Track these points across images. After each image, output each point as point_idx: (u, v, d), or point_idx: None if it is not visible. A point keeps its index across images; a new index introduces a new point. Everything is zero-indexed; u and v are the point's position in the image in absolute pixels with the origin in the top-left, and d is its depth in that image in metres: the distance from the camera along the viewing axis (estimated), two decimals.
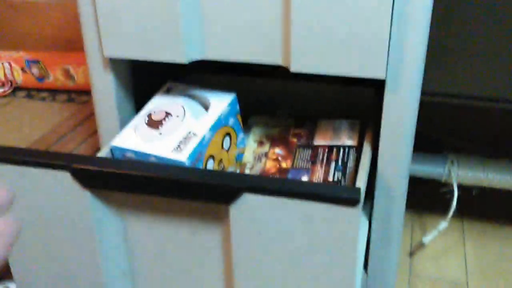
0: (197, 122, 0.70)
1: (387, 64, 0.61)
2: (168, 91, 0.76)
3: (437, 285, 1.00)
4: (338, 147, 0.75)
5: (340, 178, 0.70)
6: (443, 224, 0.96)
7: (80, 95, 1.14)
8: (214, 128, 0.70)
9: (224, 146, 0.73)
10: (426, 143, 0.85)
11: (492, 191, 0.94)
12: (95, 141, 0.94)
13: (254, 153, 0.78)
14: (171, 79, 0.79)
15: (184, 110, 0.72)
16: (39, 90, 1.17)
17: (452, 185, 0.92)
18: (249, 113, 0.85)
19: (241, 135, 0.77)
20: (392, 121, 0.66)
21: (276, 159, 0.75)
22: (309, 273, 0.56)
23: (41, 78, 1.16)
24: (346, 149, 0.74)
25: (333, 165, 0.73)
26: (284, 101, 0.90)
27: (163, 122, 0.70)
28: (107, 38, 0.71)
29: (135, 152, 0.67)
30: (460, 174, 0.91)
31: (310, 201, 0.51)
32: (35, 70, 1.15)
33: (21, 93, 1.17)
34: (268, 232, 0.55)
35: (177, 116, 0.71)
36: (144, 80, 0.85)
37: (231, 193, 0.54)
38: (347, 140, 0.75)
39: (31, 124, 1.02)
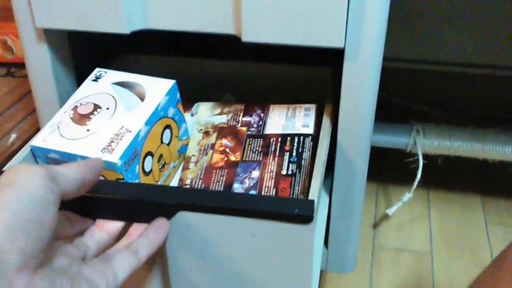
0: (130, 115, 0.61)
1: (346, 32, 0.57)
2: (96, 79, 0.66)
3: (401, 256, 1.00)
4: (293, 136, 0.68)
5: (294, 171, 0.64)
6: (408, 195, 0.95)
7: (21, 69, 1.07)
8: (151, 121, 0.61)
9: (164, 139, 0.65)
10: (390, 112, 0.82)
11: (457, 160, 0.93)
12: (35, 119, 0.88)
13: (199, 145, 0.70)
14: (100, 65, 0.70)
15: (116, 101, 0.63)
16: None
17: (417, 155, 0.90)
18: (192, 99, 0.77)
19: (183, 125, 0.69)
20: (351, 91, 0.63)
21: (224, 151, 0.69)
22: None
23: None
24: (301, 138, 0.67)
25: (287, 156, 0.66)
26: (232, 85, 0.83)
27: (91, 116, 0.61)
28: (39, 7, 0.64)
29: (60, 153, 0.58)
30: (425, 143, 0.88)
31: (256, 219, 0.45)
32: None
33: None
34: (211, 251, 0.49)
35: (107, 109, 0.62)
36: (85, 52, 0.80)
37: (164, 212, 0.47)
38: (302, 128, 0.68)
39: None
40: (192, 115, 0.76)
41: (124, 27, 0.62)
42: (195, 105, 0.77)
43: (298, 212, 0.44)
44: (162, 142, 0.64)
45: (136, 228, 0.48)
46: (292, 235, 0.45)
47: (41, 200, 0.35)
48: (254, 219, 0.45)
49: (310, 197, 0.51)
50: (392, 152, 0.94)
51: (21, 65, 1.08)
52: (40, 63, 0.71)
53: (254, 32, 0.59)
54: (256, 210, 0.45)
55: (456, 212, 1.09)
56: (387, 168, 1.15)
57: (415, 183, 0.92)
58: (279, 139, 0.68)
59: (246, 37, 0.59)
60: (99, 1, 0.61)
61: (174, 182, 0.69)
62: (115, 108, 0.62)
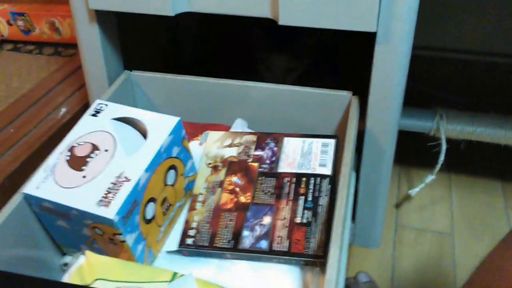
0: (131, 159, 0.55)
1: (378, 16, 0.60)
2: (96, 113, 0.61)
3: (422, 235, 1.02)
4: (308, 177, 0.62)
5: (310, 219, 0.58)
6: (430, 177, 0.97)
7: (67, 48, 1.12)
8: (153, 166, 0.55)
9: (168, 181, 0.59)
10: (415, 97, 0.85)
11: (479, 145, 0.95)
12: (83, 94, 0.93)
13: (207, 182, 0.65)
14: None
15: (115, 142, 0.57)
16: (25, 43, 1.15)
17: (440, 139, 0.92)
18: (203, 123, 0.74)
19: (189, 162, 0.63)
20: (382, 74, 0.66)
21: (233, 191, 0.63)
22: None
23: (27, 31, 1.14)
24: (318, 180, 0.61)
25: (301, 201, 0.60)
26: (246, 106, 0.77)
27: (88, 159, 0.56)
28: None
29: (53, 203, 0.53)
30: (448, 128, 0.91)
31: None
32: (20, 23, 1.12)
33: (8, 46, 1.15)
34: None
35: (106, 151, 0.56)
36: (131, 35, 0.84)
37: None
38: (319, 167, 0.62)
39: (19, 77, 1.01)
40: (200, 143, 0.72)
41: (169, 9, 0.66)
42: (204, 133, 0.72)
43: None
44: (166, 185, 0.59)
45: None
46: None
47: None
48: None
49: (329, 263, 0.47)
50: (414, 136, 0.96)
51: (67, 45, 1.13)
52: (91, 42, 0.75)
53: (290, 15, 0.62)
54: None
55: (477, 196, 1.11)
56: (409, 152, 1.16)
57: (438, 166, 0.94)
58: (293, 180, 0.62)
59: (283, 21, 0.63)
60: None
61: (179, 224, 0.64)
62: (115, 150, 0.56)
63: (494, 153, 1.13)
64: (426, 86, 1.08)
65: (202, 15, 0.68)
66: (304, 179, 0.62)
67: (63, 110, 0.90)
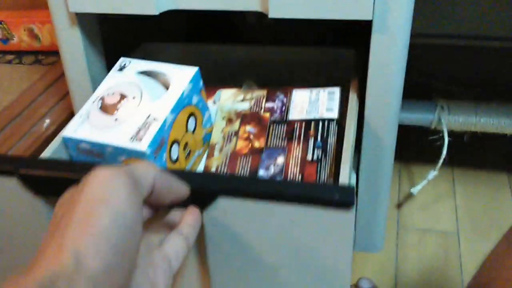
0: (156, 103, 0.62)
1: (374, 3, 0.57)
2: (121, 69, 0.67)
3: (426, 236, 1.00)
4: (317, 121, 0.67)
5: (320, 157, 0.63)
6: (433, 173, 0.94)
7: (48, 56, 1.09)
8: (176, 109, 0.62)
9: (189, 128, 0.66)
10: (414, 89, 0.82)
11: (483, 136, 0.92)
12: (67, 104, 0.90)
13: (222, 133, 0.70)
14: (125, 53, 0.71)
15: (141, 91, 0.64)
16: (4, 52, 1.12)
17: (442, 132, 0.89)
18: (214, 86, 0.77)
19: (207, 113, 0.70)
20: (379, 66, 0.63)
21: (248, 138, 0.68)
22: (296, 282, 0.50)
23: (5, 40, 1.11)
24: (326, 123, 0.66)
25: (311, 142, 0.65)
26: (253, 70, 0.81)
27: (118, 106, 0.62)
28: None
29: (90, 143, 0.60)
30: (450, 119, 0.88)
31: (295, 204, 0.45)
32: None
33: None
34: (249, 238, 0.49)
35: (134, 98, 0.63)
36: (114, 38, 0.81)
37: (203, 198, 0.46)
38: (326, 112, 0.67)
39: (0, 89, 0.97)
40: (214, 102, 0.76)
41: (153, 8, 0.64)
42: (217, 92, 0.77)
43: (339, 198, 0.43)
44: (187, 131, 0.65)
45: (175, 215, 0.46)
46: (332, 221, 0.45)
47: (134, 221, 0.34)
48: (294, 205, 0.44)
49: (340, 182, 0.53)
50: (413, 130, 0.94)
51: (48, 53, 1.10)
52: (73, 47, 0.72)
53: (281, 7, 0.60)
54: (296, 195, 0.44)
55: (482, 191, 1.08)
56: (409, 147, 1.14)
57: (440, 161, 0.92)
58: (303, 125, 0.67)
59: (273, 13, 0.60)
60: None
61: (199, 170, 0.69)
62: (141, 97, 0.63)
63: (499, 144, 1.11)
64: (424, 77, 1.05)
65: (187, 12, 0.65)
66: (313, 123, 0.67)
67: (47, 121, 0.87)
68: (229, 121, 0.71)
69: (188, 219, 0.45)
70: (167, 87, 0.64)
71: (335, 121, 0.66)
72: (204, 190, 0.46)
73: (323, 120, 0.66)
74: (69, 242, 0.31)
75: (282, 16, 0.60)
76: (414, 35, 0.65)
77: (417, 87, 0.91)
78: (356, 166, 0.76)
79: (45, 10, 0.71)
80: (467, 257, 0.95)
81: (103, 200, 0.32)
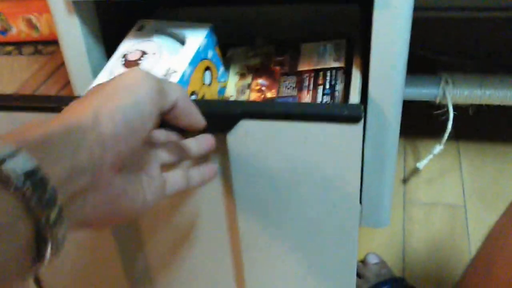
0: (175, 58, 0.65)
1: None
2: (140, 29, 0.72)
3: (433, 210, 1.00)
4: (325, 71, 0.70)
5: (329, 102, 0.67)
6: (438, 148, 0.94)
7: (47, 46, 1.08)
8: (193, 62, 0.66)
9: (205, 81, 0.70)
10: (417, 62, 0.81)
11: (489, 109, 0.91)
12: (69, 92, 0.89)
13: (236, 86, 0.74)
14: (142, 17, 0.74)
15: (160, 47, 0.68)
16: (3, 44, 1.11)
17: (447, 106, 0.88)
18: (227, 45, 0.81)
19: (221, 68, 0.73)
20: (383, 40, 0.62)
21: (260, 90, 0.72)
22: (311, 195, 0.56)
23: (3, 32, 1.10)
24: (333, 72, 0.70)
25: (320, 89, 0.69)
26: (262, 28, 0.85)
27: (140, 61, 0.66)
28: None
29: None
30: (455, 93, 0.87)
31: (310, 122, 0.50)
32: None
33: None
34: (268, 157, 0.54)
35: (154, 54, 0.67)
36: (112, 24, 0.81)
37: (227, 121, 0.52)
38: (333, 62, 0.71)
39: (1, 81, 0.97)
40: (228, 59, 0.80)
41: None
42: (230, 49, 0.81)
43: (348, 113, 0.49)
44: (203, 83, 0.69)
45: (189, 143, 0.50)
46: (342, 135, 0.50)
47: (148, 115, 0.39)
48: (309, 122, 0.50)
49: (351, 101, 0.58)
50: (417, 104, 0.93)
51: (47, 43, 1.08)
52: (72, 35, 0.71)
53: None
54: (310, 113, 0.50)
55: (489, 163, 1.07)
56: (414, 122, 1.13)
57: (446, 135, 0.91)
58: (312, 74, 0.70)
59: None
60: None
61: None
62: (161, 53, 0.67)
63: (505, 117, 1.10)
64: (427, 51, 1.04)
65: None
66: (321, 73, 0.70)
67: None
68: (242, 75, 0.75)
69: (201, 150, 0.50)
70: (183, 44, 0.68)
71: (342, 70, 0.69)
72: (228, 113, 0.52)
73: (331, 69, 0.70)
74: (92, 104, 0.36)
75: None
76: (416, 8, 0.63)
77: (421, 61, 0.90)
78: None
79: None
80: (474, 230, 0.95)
81: (129, 87, 0.38)
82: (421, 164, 0.98)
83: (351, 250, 0.60)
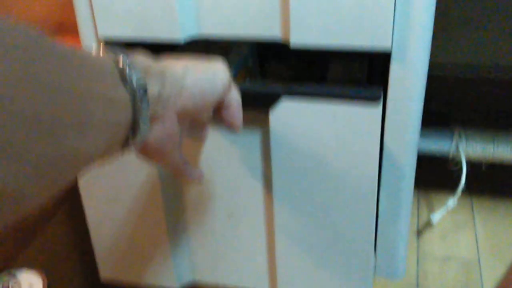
0: None
1: (392, 33, 0.58)
2: None
3: (447, 265, 0.98)
4: None
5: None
6: (452, 201, 0.93)
7: None
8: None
9: None
10: (430, 117, 0.82)
11: (502, 165, 0.91)
12: None
13: None
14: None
15: None
16: None
17: (460, 161, 0.89)
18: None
19: None
20: (399, 95, 0.64)
21: None
22: (336, 169, 0.64)
23: None
24: None
25: None
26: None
27: None
28: (101, 17, 0.69)
29: None
30: (468, 148, 0.87)
31: (340, 102, 0.60)
32: None
33: None
34: (301, 133, 0.63)
35: None
36: None
37: (270, 99, 0.61)
38: None
39: None
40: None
41: (178, 36, 0.66)
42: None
43: (369, 94, 0.59)
44: None
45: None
46: (363, 114, 0.60)
47: (217, 94, 0.48)
48: (339, 102, 0.60)
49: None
50: (430, 157, 0.93)
51: None
52: None
53: (303, 37, 0.61)
54: (341, 94, 0.59)
55: (502, 220, 1.06)
56: (426, 175, 1.14)
57: (459, 189, 0.91)
58: None
59: (295, 42, 0.61)
60: (156, 11, 0.66)
61: None
62: None
63: None
64: (442, 105, 1.05)
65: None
66: None
67: None
68: None
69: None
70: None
71: None
72: (271, 92, 0.61)
73: None
74: (186, 65, 0.46)
75: (304, 46, 0.62)
76: (433, 65, 0.65)
77: (435, 115, 0.91)
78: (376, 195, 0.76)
79: (74, 35, 0.74)
80: (488, 285, 0.93)
81: (212, 68, 0.48)
82: (435, 218, 0.97)
83: (370, 215, 0.69)
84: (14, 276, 0.77)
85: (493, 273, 0.96)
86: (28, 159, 0.26)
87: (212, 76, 0.48)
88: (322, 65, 0.81)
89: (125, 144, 0.41)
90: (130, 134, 0.40)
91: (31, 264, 0.76)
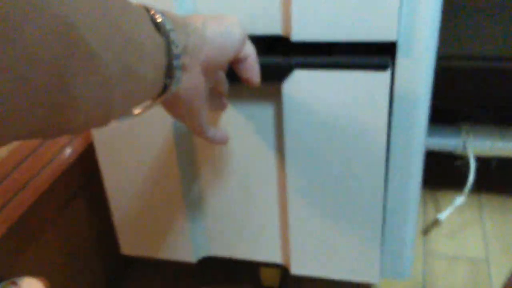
0: None
1: (398, 24, 0.56)
2: None
3: (455, 264, 0.97)
4: None
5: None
6: (460, 199, 0.91)
7: None
8: None
9: None
10: (437, 113, 0.80)
11: (511, 162, 0.89)
12: (87, 133, 0.89)
13: None
14: None
15: None
16: None
17: (467, 158, 0.87)
18: None
19: None
20: (405, 89, 0.62)
21: None
22: (347, 138, 0.65)
23: None
24: None
25: None
26: None
27: None
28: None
29: None
30: (476, 145, 0.85)
31: (350, 70, 0.60)
32: None
33: None
34: (313, 103, 0.64)
35: None
36: None
37: (284, 70, 0.62)
38: None
39: None
40: None
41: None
42: None
43: (378, 61, 0.60)
44: None
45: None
46: (372, 81, 0.61)
47: (236, 46, 0.50)
48: (349, 70, 0.60)
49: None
50: (439, 155, 0.92)
51: None
52: None
53: (304, 30, 0.59)
54: (351, 63, 0.60)
55: (511, 216, 1.05)
56: (433, 172, 1.12)
57: (468, 186, 0.89)
58: None
59: (296, 36, 0.60)
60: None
61: None
62: None
63: None
64: (449, 100, 1.03)
65: None
66: None
67: (68, 151, 0.86)
68: None
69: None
70: None
71: None
72: (284, 63, 0.62)
73: None
74: (205, 18, 0.48)
75: (306, 40, 0.60)
76: (438, 57, 0.64)
77: (442, 111, 0.89)
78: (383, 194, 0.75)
79: None
80: (498, 285, 0.92)
81: (230, 21, 0.50)
82: (442, 216, 0.95)
83: (379, 181, 0.69)
84: (16, 285, 0.76)
85: (503, 273, 0.94)
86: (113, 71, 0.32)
87: (230, 28, 0.49)
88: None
89: (161, 92, 0.43)
90: (167, 80, 0.42)
91: (32, 272, 0.75)
